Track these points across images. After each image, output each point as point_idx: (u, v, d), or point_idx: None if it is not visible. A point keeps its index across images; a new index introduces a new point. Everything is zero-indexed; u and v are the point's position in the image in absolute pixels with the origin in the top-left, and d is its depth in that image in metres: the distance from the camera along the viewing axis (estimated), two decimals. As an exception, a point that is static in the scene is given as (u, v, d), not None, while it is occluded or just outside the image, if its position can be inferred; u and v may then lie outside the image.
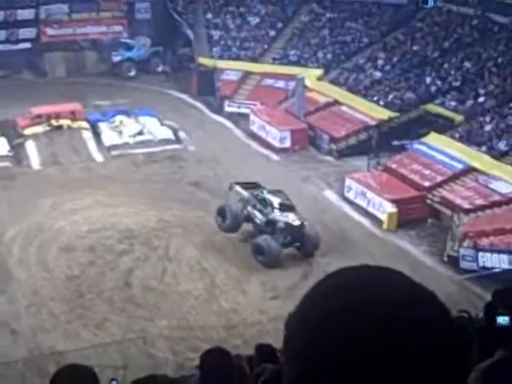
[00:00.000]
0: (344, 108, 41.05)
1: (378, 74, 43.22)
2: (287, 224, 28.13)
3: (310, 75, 43.76)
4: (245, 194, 29.94)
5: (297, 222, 28.22)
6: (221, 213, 29.44)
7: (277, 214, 28.52)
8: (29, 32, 50.17)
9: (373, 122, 38.83)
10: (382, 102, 40.55)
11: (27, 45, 50.01)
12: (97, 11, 51.45)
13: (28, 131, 38.97)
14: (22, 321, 24.31)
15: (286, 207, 28.80)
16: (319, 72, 44.97)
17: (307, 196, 33.12)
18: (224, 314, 24.80)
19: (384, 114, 39.30)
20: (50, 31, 50.62)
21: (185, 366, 21.04)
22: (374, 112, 39.57)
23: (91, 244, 28.73)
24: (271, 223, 28.46)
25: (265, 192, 29.67)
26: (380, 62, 44.18)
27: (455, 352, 1.43)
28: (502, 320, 5.28)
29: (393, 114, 39.17)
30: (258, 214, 29.04)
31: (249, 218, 29.42)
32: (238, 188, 30.45)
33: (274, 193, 29.61)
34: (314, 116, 40.97)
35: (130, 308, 25.05)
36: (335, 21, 49.24)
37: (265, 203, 28.98)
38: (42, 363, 21.94)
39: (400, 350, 1.37)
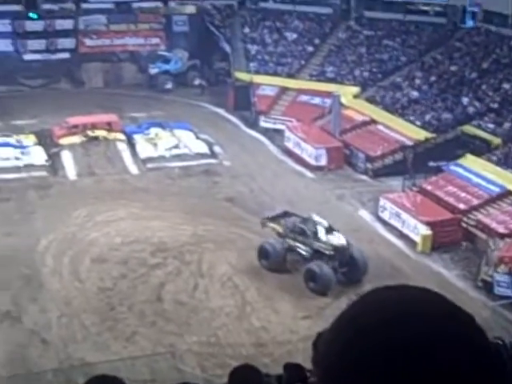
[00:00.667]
0: (380, 127, 40.86)
1: (414, 94, 43.01)
2: (334, 246, 27.42)
3: (347, 93, 43.65)
4: (280, 229, 29.08)
5: (343, 241, 27.60)
6: (262, 253, 28.46)
7: (321, 241, 27.74)
8: (68, 42, 50.67)
9: (409, 142, 38.60)
10: (418, 122, 40.33)
11: (66, 55, 50.50)
12: (135, 23, 51.82)
13: (64, 141, 39.21)
14: (53, 331, 24.39)
15: (327, 231, 28.08)
16: (356, 90, 44.86)
17: (342, 215, 32.97)
18: (254, 332, 24.68)
19: (420, 134, 39.07)
20: (88, 42, 51.06)
21: (213, 382, 20.98)
22: (411, 132, 39.36)
23: (124, 256, 28.79)
24: (317, 252, 27.68)
25: (300, 221, 28.83)
26: (417, 82, 43.98)
27: (491, 375, 1.40)
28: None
29: (429, 135, 38.91)
30: (301, 245, 28.25)
31: (291, 249, 28.54)
32: (271, 224, 29.45)
33: (308, 220, 28.76)
34: (349, 134, 40.83)
35: (161, 322, 25.02)
36: (373, 38, 49.15)
37: (304, 233, 28.25)
38: (71, 374, 22.04)
39: (434, 366, 1.36)
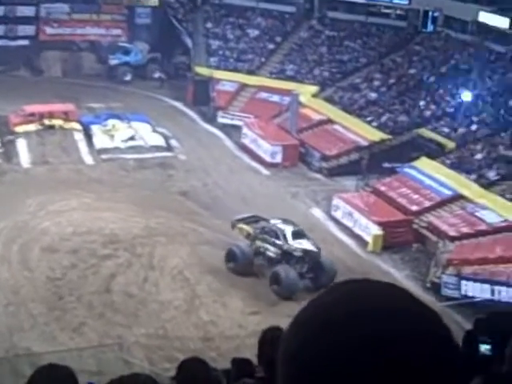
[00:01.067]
0: (337, 127, 41.08)
1: (373, 95, 43.31)
2: (304, 251, 27.22)
3: (306, 91, 43.81)
4: (251, 229, 28.93)
5: (313, 248, 27.45)
6: (230, 256, 28.07)
7: (291, 243, 27.42)
8: (28, 29, 50.16)
9: (365, 143, 38.86)
10: (375, 123, 40.63)
11: (25, 42, 49.99)
12: (97, 13, 51.49)
13: (20, 129, 38.88)
14: (0, 319, 24.15)
15: (298, 235, 27.82)
16: (315, 89, 45.04)
17: (295, 213, 32.99)
18: (202, 326, 24.71)
19: (376, 135, 39.35)
20: (49, 30, 50.62)
21: (160, 375, 20.93)
22: (367, 133, 39.63)
23: (75, 247, 28.62)
24: (286, 254, 27.37)
25: (273, 222, 28.57)
26: (376, 83, 44.30)
27: (455, 370, 1.43)
28: (484, 349, 5.35)
29: (385, 136, 39.20)
30: (270, 247, 27.98)
31: (258, 253, 28.25)
32: (241, 225, 29.30)
33: (282, 222, 28.50)
34: (306, 133, 40.97)
35: (109, 313, 24.93)
36: (334, 39, 49.38)
37: (275, 234, 28.02)
38: (16, 363, 21.79)
39: (400, 361, 1.38)
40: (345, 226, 32.42)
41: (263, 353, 5.76)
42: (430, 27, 47.60)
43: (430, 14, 47.45)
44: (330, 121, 41.69)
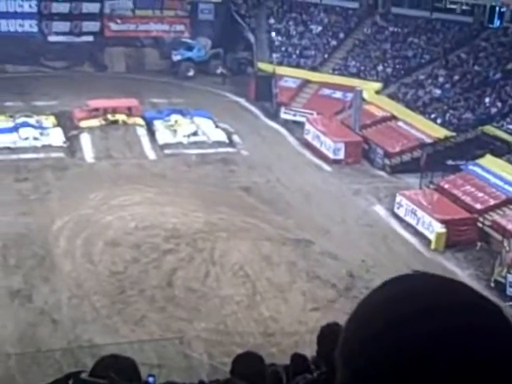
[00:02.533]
0: (400, 123, 40.70)
1: (437, 92, 42.77)
2: None
3: (369, 88, 43.50)
4: None
5: None
6: None
7: None
8: (92, 25, 50.76)
9: (428, 140, 38.41)
10: (439, 120, 40.10)
11: (90, 38, 50.60)
12: (160, 9, 51.90)
13: (84, 124, 39.30)
14: (63, 311, 24.44)
15: None
16: (378, 85, 44.69)
17: (357, 209, 32.98)
18: (263, 322, 24.64)
19: (440, 132, 38.85)
20: (113, 26, 51.17)
21: (219, 370, 20.96)
22: (431, 130, 39.15)
23: (137, 241, 28.80)
24: None
25: None
26: (440, 80, 43.74)
27: None
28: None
29: (449, 133, 38.69)
30: None
31: None
32: None
33: None
34: (369, 129, 40.70)
35: (170, 308, 25.03)
36: (398, 35, 48.90)
37: None
38: (79, 355, 22.08)
39: (457, 361, 1.34)
40: (408, 224, 32.06)
41: (322, 349, 5.71)
42: (497, 23, 46.81)
43: (497, 9, 46.66)
44: (393, 117, 41.33)
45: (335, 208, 32.93)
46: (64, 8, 50.30)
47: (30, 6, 49.68)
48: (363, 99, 41.78)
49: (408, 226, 31.95)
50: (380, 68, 46.55)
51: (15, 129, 38.04)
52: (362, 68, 47.14)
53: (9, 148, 36.48)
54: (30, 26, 49.75)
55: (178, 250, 28.45)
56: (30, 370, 21.54)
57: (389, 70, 46.26)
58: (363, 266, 28.01)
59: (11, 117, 39.64)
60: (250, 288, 26.44)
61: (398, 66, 46.44)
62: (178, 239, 29.14)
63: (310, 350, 6.76)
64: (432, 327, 1.35)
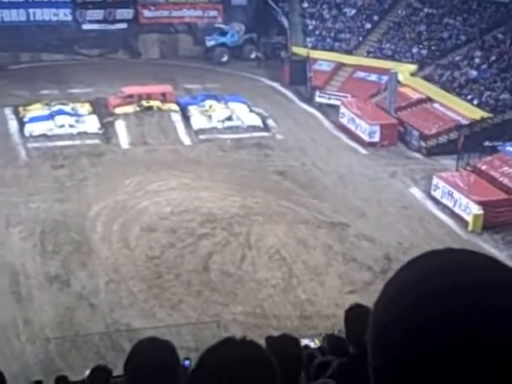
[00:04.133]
0: (436, 105, 40.36)
1: (473, 73, 42.31)
2: None
3: (404, 70, 43.16)
4: None
5: None
6: None
7: None
8: (126, 13, 50.84)
9: (465, 122, 38.05)
10: (475, 102, 39.69)
11: (124, 25, 50.70)
12: (194, -5, 51.82)
13: (119, 110, 39.44)
14: (101, 296, 24.65)
15: None
16: (413, 67, 44.31)
17: (393, 192, 32.83)
18: (300, 305, 24.65)
19: (477, 113, 38.45)
20: (146, 13, 51.20)
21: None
22: (467, 111, 38.77)
23: (173, 226, 28.90)
24: None
25: None
26: (476, 61, 43.24)
27: None
28: None
29: (486, 114, 38.28)
30: None
31: None
32: None
33: None
34: (405, 112, 40.41)
35: (207, 292, 25.12)
36: (433, 16, 48.40)
37: None
38: (116, 338, 22.28)
39: (488, 336, 1.29)
40: (444, 206, 31.83)
41: (350, 330, 5.70)
42: (534, 2, 46.15)
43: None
44: (429, 99, 40.99)
45: (371, 191, 32.78)
46: (98, -4, 50.42)
47: (64, -5, 49.83)
48: (398, 81, 41.45)
49: (445, 208, 31.72)
50: (415, 50, 46.15)
51: (51, 116, 38.28)
52: (397, 50, 46.77)
53: (45, 135, 36.75)
54: (64, 14, 49.92)
55: (213, 235, 28.51)
56: (70, 354, 21.80)
57: (424, 52, 45.84)
58: (400, 249, 27.89)
59: (47, 105, 39.91)
60: (286, 271, 26.45)
61: (433, 48, 45.99)
62: (213, 223, 29.19)
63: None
64: (468, 302, 1.31)
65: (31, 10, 49.37)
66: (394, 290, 1.40)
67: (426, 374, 1.32)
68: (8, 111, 39.74)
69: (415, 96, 41.46)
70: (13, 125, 38.29)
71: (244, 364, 2.10)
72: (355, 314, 5.64)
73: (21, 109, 39.56)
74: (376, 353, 1.39)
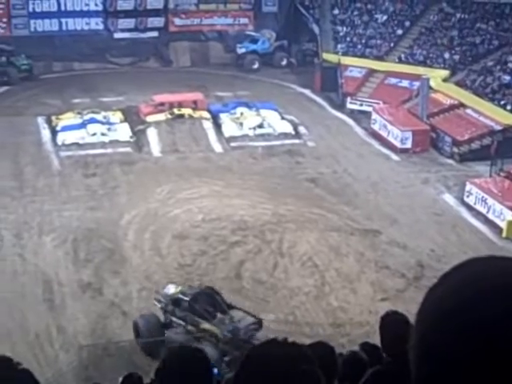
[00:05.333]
0: (469, 111, 40.04)
1: (506, 78, 41.92)
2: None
3: (436, 76, 42.90)
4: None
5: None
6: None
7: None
8: (157, 21, 51.14)
9: (498, 127, 37.72)
10: (509, 107, 39.31)
11: (155, 33, 51.01)
12: (224, 3, 52.00)
13: (150, 118, 39.57)
14: (133, 303, 24.66)
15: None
16: (445, 73, 44.03)
17: (425, 198, 32.60)
18: (332, 312, 24.50)
19: (510, 119, 38.07)
20: (177, 21, 51.49)
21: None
22: (501, 116, 38.41)
23: (204, 233, 28.88)
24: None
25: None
26: (510, 66, 42.85)
27: None
28: None
29: (520, 120, 37.94)
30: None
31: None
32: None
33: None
34: (437, 118, 40.16)
35: (239, 299, 24.96)
36: (465, 21, 48.07)
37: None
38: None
39: None
40: (478, 212, 31.53)
41: (385, 337, 5.62)
42: None
43: None
44: (461, 105, 40.68)
45: (403, 197, 32.59)
46: (129, 5, 50.79)
47: (96, 5, 50.24)
48: (430, 87, 41.22)
49: (478, 215, 31.42)
50: (447, 55, 45.86)
51: (83, 125, 38.49)
52: (429, 56, 46.50)
53: (77, 144, 36.94)
54: (95, 23, 50.33)
55: (245, 242, 28.45)
56: (102, 361, 21.81)
57: (456, 57, 45.54)
58: (432, 256, 27.68)
59: (79, 113, 40.15)
60: (318, 279, 26.31)
61: (465, 53, 45.68)
62: (245, 231, 29.14)
63: (379, 340, 6.65)
64: (506, 306, 1.29)
65: (63, 20, 49.84)
66: (441, 297, 1.37)
67: (478, 381, 1.30)
68: (41, 120, 40.08)
69: (447, 102, 41.20)
70: (45, 134, 38.59)
71: (289, 362, 2.12)
72: (391, 320, 5.55)
73: (53, 118, 39.87)
74: (422, 362, 1.36)
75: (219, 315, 21.57)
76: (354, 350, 7.52)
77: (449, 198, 33.04)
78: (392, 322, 5.52)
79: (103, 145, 36.98)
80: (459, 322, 1.31)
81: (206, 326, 21.17)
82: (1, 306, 24.27)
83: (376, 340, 13.82)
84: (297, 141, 38.63)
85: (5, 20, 49.35)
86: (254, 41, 50.90)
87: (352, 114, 43.03)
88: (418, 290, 24.50)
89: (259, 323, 21.43)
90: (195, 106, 40.65)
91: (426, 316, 1.37)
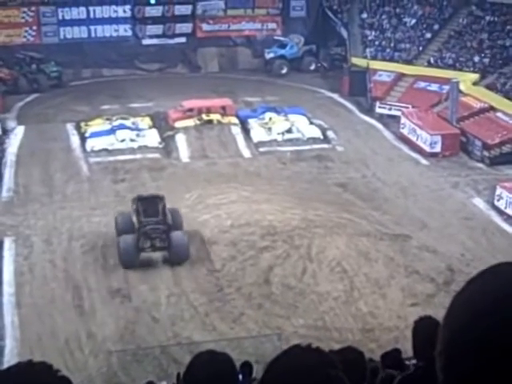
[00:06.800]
0: (499, 114, 39.73)
1: (537, 81, 41.62)
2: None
3: (466, 79, 42.63)
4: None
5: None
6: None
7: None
8: (185, 27, 51.35)
9: (529, 130, 37.42)
10: (540, 110, 39.00)
11: (183, 39, 51.19)
12: (252, 8, 52.06)
13: (179, 124, 39.66)
14: (162, 309, 24.70)
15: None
16: (475, 76, 43.75)
17: (455, 202, 32.39)
18: (361, 317, 24.38)
19: (542, 122, 37.80)
20: (205, 27, 51.67)
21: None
22: (531, 120, 38.12)
23: (233, 239, 28.86)
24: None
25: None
26: (541, 68, 42.55)
27: None
28: None
29: (551, 123, 37.59)
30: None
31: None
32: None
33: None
34: (467, 121, 39.88)
35: (268, 305, 25.00)
36: (495, 24, 47.75)
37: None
38: (178, 352, 22.24)
39: None
40: (509, 216, 31.23)
41: (417, 343, 5.56)
42: None
43: None
44: (491, 108, 40.39)
45: (433, 202, 32.40)
46: (157, 11, 51.05)
47: (124, 11, 50.54)
48: (460, 91, 40.96)
49: (509, 219, 31.14)
50: (477, 59, 45.57)
51: (112, 131, 38.66)
52: (459, 59, 46.23)
53: (106, 150, 37.11)
54: (124, 30, 50.64)
55: (274, 247, 28.40)
56: (131, 367, 21.86)
57: (486, 61, 45.23)
58: (463, 260, 27.46)
59: (108, 119, 40.35)
60: (347, 284, 26.20)
61: (495, 56, 45.36)
62: (274, 236, 29.09)
63: (410, 346, 6.58)
64: None
65: (92, 27, 50.19)
66: (469, 302, 1.36)
67: None
68: (70, 127, 40.35)
69: (477, 105, 40.91)
70: (74, 140, 38.83)
71: (313, 368, 2.10)
72: (424, 325, 5.49)
73: (82, 124, 40.10)
74: (449, 368, 1.34)
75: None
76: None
77: (479, 202, 32.80)
78: (425, 327, 5.45)
79: (132, 151, 37.12)
80: (487, 325, 1.28)
81: (134, 219, 27.91)
82: (31, 312, 24.44)
83: (405, 346, 13.71)
84: (325, 145, 38.53)
85: (35, 28, 49.78)
86: (283, 46, 50.90)
87: (381, 118, 42.86)
88: (448, 294, 24.29)
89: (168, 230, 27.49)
90: (224, 111, 40.69)
91: (454, 320, 1.35)
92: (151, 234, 27.46)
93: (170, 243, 27.20)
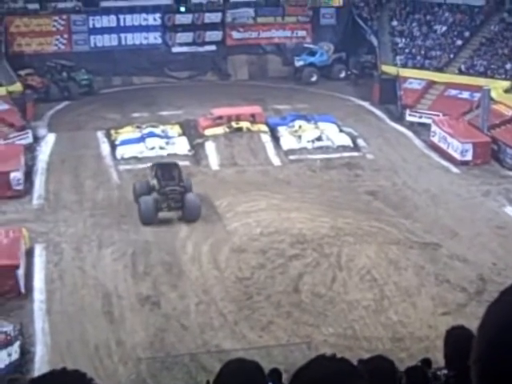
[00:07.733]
0: (531, 122, 39.43)
1: None
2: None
3: (497, 87, 42.34)
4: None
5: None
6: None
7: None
8: (215, 35, 51.51)
9: (561, 138, 37.06)
10: None
11: (212, 47, 51.36)
12: (282, 16, 52.15)
13: (208, 132, 39.72)
14: (191, 317, 24.69)
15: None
16: (507, 84, 43.44)
17: (487, 211, 32.12)
18: (391, 326, 24.21)
19: None
20: (235, 34, 51.79)
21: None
22: None
23: (263, 247, 28.83)
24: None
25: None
26: None
27: None
28: None
29: None
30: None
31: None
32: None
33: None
34: (498, 129, 39.60)
35: (297, 313, 24.91)
36: (527, 31, 47.43)
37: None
38: (207, 360, 22.21)
39: None
40: (541, 225, 30.97)
41: (449, 352, 5.48)
42: None
43: None
44: (523, 116, 40.09)
45: (463, 210, 32.17)
46: (187, 19, 51.29)
47: (155, 19, 50.85)
48: (491, 98, 40.68)
49: (541, 227, 30.85)
50: (508, 66, 45.25)
51: (142, 139, 38.81)
52: (490, 66, 45.93)
53: (136, 158, 37.25)
54: (154, 38, 50.93)
55: (304, 256, 28.32)
56: (160, 374, 21.86)
57: (518, 68, 44.92)
58: (494, 269, 27.20)
59: (138, 127, 40.52)
60: (377, 292, 26.04)
61: (527, 63, 45.03)
62: (303, 244, 29.02)
63: (440, 356, 6.49)
64: None
65: (123, 35, 50.50)
66: (503, 312, 1.34)
67: None
68: (100, 134, 40.60)
69: (509, 113, 40.63)
70: (105, 148, 39.05)
71: (337, 378, 2.06)
72: (456, 335, 5.40)
73: (112, 132, 40.31)
74: (483, 378, 1.33)
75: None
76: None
77: (511, 211, 32.51)
78: (457, 337, 5.37)
79: (162, 158, 37.18)
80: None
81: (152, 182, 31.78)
82: (61, 319, 24.54)
83: (436, 355, 13.57)
84: (355, 153, 38.43)
85: (66, 36, 50.19)
86: (312, 53, 50.90)
87: (411, 126, 42.70)
88: (479, 304, 24.09)
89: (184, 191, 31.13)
90: (253, 119, 40.69)
91: (488, 331, 1.34)
92: (169, 195, 30.80)
93: (184, 204, 30.63)
